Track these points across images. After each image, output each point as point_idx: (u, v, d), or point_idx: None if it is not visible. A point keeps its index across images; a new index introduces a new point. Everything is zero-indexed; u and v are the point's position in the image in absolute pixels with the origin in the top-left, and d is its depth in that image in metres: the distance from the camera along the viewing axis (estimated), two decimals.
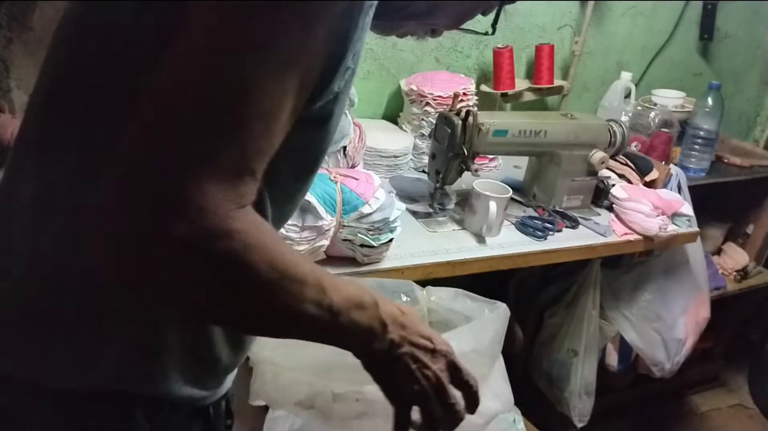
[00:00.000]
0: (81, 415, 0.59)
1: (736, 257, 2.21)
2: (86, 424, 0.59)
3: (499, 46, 1.76)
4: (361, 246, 1.14)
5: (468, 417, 0.66)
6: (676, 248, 1.75)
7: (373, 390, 0.63)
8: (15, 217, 0.59)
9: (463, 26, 0.70)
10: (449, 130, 1.34)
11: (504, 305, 0.97)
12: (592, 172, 1.54)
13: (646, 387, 2.08)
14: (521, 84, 1.88)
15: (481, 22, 0.72)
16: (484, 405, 0.71)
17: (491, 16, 0.70)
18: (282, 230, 1.09)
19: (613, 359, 1.88)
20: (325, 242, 1.13)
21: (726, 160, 2.03)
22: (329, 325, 0.54)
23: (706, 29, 2.19)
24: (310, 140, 0.59)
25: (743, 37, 2.33)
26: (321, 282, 0.52)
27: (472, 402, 0.66)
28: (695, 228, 1.63)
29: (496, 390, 0.90)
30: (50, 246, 0.56)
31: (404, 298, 1.07)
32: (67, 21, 0.63)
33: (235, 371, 0.72)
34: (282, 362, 0.85)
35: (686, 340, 1.83)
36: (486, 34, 0.76)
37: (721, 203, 2.17)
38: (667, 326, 1.80)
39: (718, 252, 2.27)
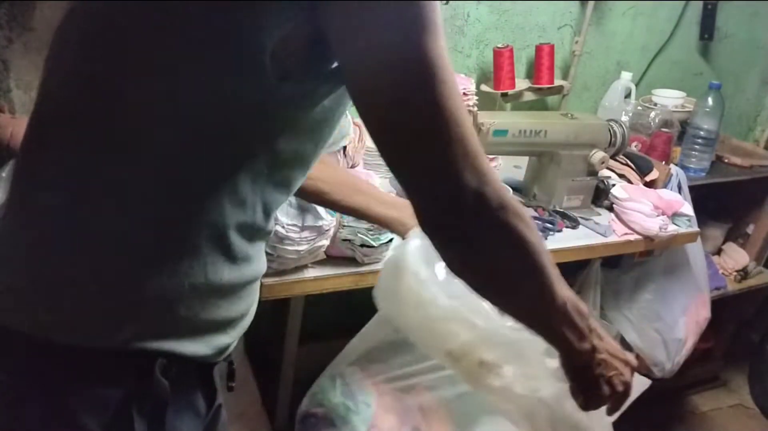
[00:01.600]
0: (98, 372, 0.60)
1: (736, 257, 2.21)
2: (105, 381, 0.61)
3: (499, 46, 1.76)
4: (361, 246, 1.14)
5: None
6: (677, 248, 1.74)
7: (511, 370, 0.77)
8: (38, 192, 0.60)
9: None
10: None
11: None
12: (593, 172, 1.54)
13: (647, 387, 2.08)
14: (521, 84, 1.88)
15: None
16: None
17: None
18: (282, 230, 1.10)
19: None
20: (325, 242, 1.13)
21: (726, 160, 2.03)
22: (555, 317, 0.65)
23: (707, 29, 2.19)
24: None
25: (744, 37, 2.33)
26: (557, 273, 0.64)
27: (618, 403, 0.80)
28: (695, 229, 1.63)
29: None
30: (84, 216, 0.58)
31: None
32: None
33: (238, 337, 0.73)
34: (448, 309, 0.86)
35: (686, 340, 1.83)
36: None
37: (721, 203, 2.17)
38: (668, 326, 1.80)
39: (719, 252, 2.27)
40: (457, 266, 0.61)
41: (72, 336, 0.59)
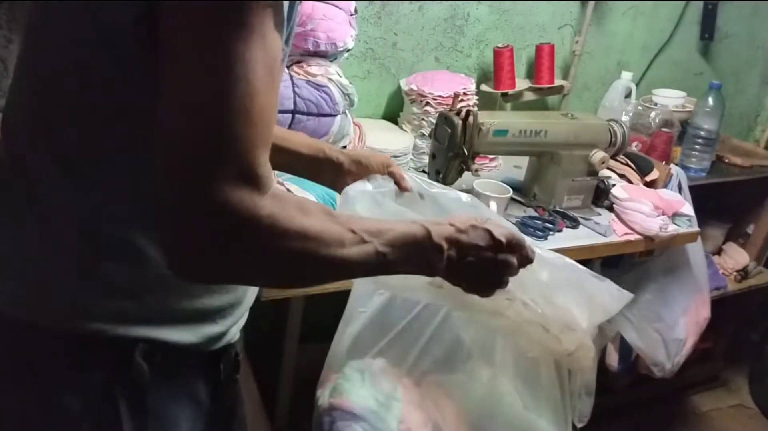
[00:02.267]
0: (79, 356, 0.62)
1: (736, 257, 2.21)
2: (86, 364, 0.62)
3: (500, 45, 1.76)
4: None
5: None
6: (677, 248, 1.74)
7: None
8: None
9: None
10: (449, 130, 1.34)
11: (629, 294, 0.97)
12: (593, 171, 1.54)
13: (647, 388, 2.08)
14: (521, 84, 1.87)
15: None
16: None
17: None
18: None
19: (613, 359, 1.88)
20: None
21: (726, 160, 2.03)
22: (383, 265, 0.62)
23: (707, 29, 2.19)
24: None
25: (744, 36, 2.33)
26: (358, 235, 0.60)
27: (525, 258, 0.73)
28: (696, 228, 1.63)
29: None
30: (54, 199, 0.60)
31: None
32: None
33: (239, 322, 0.74)
34: None
35: (686, 340, 1.83)
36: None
37: (721, 203, 2.17)
38: (668, 326, 1.80)
39: (719, 252, 2.27)
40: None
41: (41, 318, 0.61)
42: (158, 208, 0.52)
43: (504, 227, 0.71)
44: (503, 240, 0.69)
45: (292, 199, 0.58)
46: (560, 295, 0.83)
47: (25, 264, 0.62)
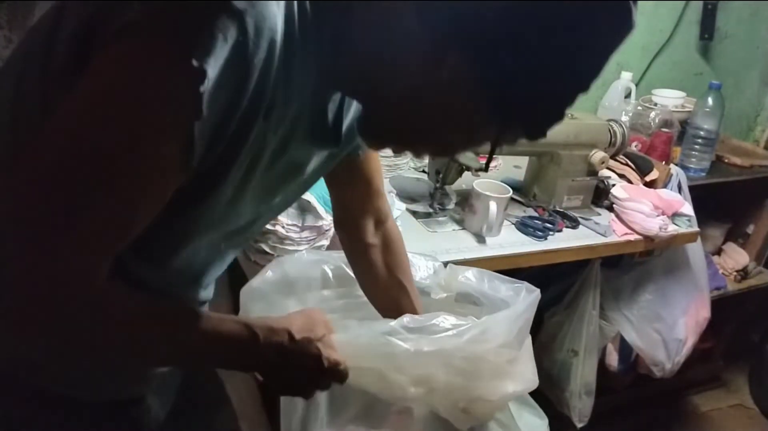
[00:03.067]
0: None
1: (736, 257, 2.21)
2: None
3: None
4: None
5: (487, 396, 0.81)
6: (677, 248, 1.74)
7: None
8: None
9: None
10: None
11: (537, 290, 0.97)
12: (593, 171, 1.54)
13: (647, 388, 2.08)
14: None
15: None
16: (504, 388, 0.83)
17: None
18: (282, 230, 1.09)
19: (613, 359, 1.88)
20: (325, 242, 1.13)
21: (726, 160, 2.03)
22: (198, 362, 0.65)
23: (707, 29, 2.19)
24: (191, 208, 0.58)
25: (743, 36, 2.33)
26: (188, 349, 0.60)
27: (339, 379, 0.72)
28: (695, 228, 1.63)
29: (520, 371, 0.90)
30: None
31: (427, 270, 1.07)
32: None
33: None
34: None
35: (686, 340, 1.83)
36: (479, 170, 0.76)
37: (721, 203, 2.17)
38: (668, 326, 1.80)
39: (719, 252, 2.27)
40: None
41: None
42: None
43: (333, 350, 0.71)
44: (326, 365, 0.69)
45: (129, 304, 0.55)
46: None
47: None
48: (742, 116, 2.52)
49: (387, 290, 0.96)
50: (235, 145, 0.53)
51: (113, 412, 0.70)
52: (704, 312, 1.86)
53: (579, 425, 1.75)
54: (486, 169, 0.76)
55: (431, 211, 1.41)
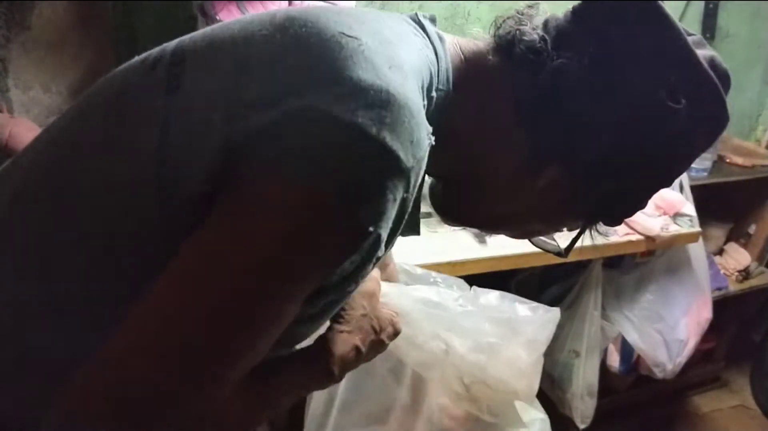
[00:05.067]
0: None
1: (738, 257, 2.21)
2: None
3: None
4: None
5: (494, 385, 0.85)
6: (678, 248, 1.74)
7: None
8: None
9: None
10: None
11: (557, 309, 1.00)
12: None
13: (648, 388, 2.08)
14: None
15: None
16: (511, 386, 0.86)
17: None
18: None
19: (614, 360, 1.87)
20: None
21: (728, 160, 2.03)
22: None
23: (708, 28, 2.18)
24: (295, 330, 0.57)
25: (745, 36, 2.32)
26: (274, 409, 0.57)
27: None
28: (697, 228, 1.62)
29: (529, 383, 0.92)
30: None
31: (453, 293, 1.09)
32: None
33: None
34: None
35: (688, 341, 1.83)
36: (559, 254, 0.79)
37: (723, 203, 2.16)
38: (669, 327, 1.79)
39: (720, 252, 2.26)
40: None
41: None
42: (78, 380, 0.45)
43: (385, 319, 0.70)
44: (387, 343, 0.70)
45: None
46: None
47: None
48: (744, 116, 2.52)
49: None
50: (363, 266, 0.53)
51: None
52: (706, 313, 1.85)
53: (581, 426, 1.75)
54: (566, 254, 0.78)
55: (431, 210, 1.40)
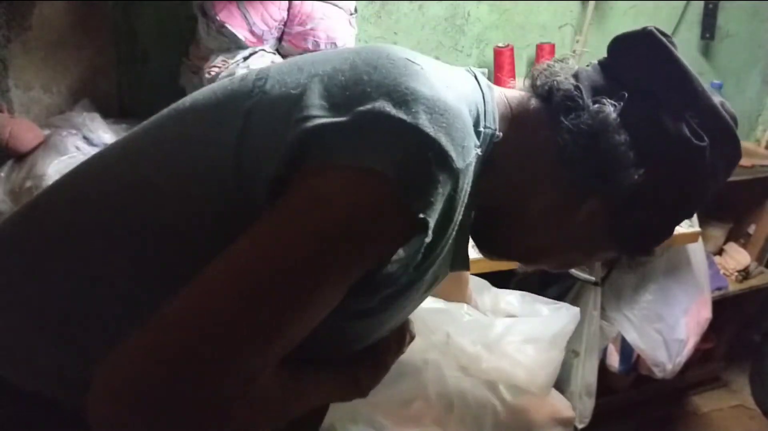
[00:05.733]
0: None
1: (737, 257, 2.21)
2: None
3: (500, 45, 1.76)
4: None
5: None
6: (678, 248, 1.74)
7: None
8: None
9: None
10: None
11: (577, 309, 1.01)
12: None
13: (648, 388, 2.08)
14: (522, 83, 1.87)
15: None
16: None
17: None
18: None
19: (614, 359, 1.87)
20: None
21: None
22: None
23: (708, 28, 2.18)
24: (340, 331, 0.60)
25: (745, 36, 2.32)
26: (303, 406, 0.61)
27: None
28: (696, 228, 1.62)
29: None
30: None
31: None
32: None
33: None
34: None
35: (687, 341, 1.83)
36: (596, 284, 0.83)
37: (722, 203, 2.16)
38: (669, 326, 1.79)
39: (720, 252, 2.26)
40: None
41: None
42: (107, 367, 0.46)
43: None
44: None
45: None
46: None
47: None
48: (744, 116, 2.52)
49: None
50: (417, 271, 0.56)
51: None
52: (705, 313, 1.85)
53: (580, 426, 1.75)
54: (603, 283, 0.84)
55: None
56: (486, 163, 0.60)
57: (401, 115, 0.49)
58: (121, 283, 0.56)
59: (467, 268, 0.70)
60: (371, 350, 0.70)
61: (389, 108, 0.50)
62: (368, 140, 0.50)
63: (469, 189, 0.56)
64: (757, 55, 2.41)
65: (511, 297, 1.08)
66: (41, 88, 1.45)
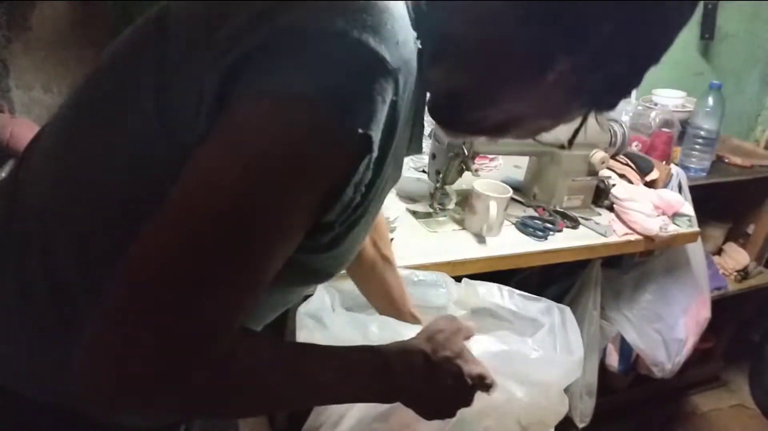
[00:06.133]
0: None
1: (736, 257, 2.21)
2: None
3: None
4: None
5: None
6: (677, 248, 1.74)
7: None
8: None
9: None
10: None
11: (568, 308, 0.99)
12: (593, 171, 1.53)
13: (647, 388, 2.08)
14: None
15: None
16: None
17: None
18: None
19: (613, 359, 1.88)
20: None
21: (727, 160, 2.03)
22: (332, 400, 0.62)
23: (707, 28, 2.18)
24: (299, 265, 0.57)
25: (744, 36, 2.33)
26: (319, 389, 0.58)
27: (486, 387, 0.72)
28: (696, 228, 1.62)
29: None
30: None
31: (439, 290, 1.08)
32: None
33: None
34: None
35: (687, 340, 1.83)
36: (562, 147, 0.78)
37: (721, 203, 2.17)
38: (668, 326, 1.79)
39: (719, 252, 2.26)
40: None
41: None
42: (91, 329, 0.45)
43: (475, 363, 0.70)
44: (470, 383, 0.69)
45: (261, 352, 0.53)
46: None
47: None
48: (743, 116, 2.52)
49: (373, 265, 0.96)
50: (368, 188, 0.53)
51: None
52: (704, 313, 1.85)
53: (580, 425, 1.75)
54: (570, 145, 0.79)
55: (431, 211, 1.41)
56: (436, 40, 0.54)
57: (319, 23, 0.45)
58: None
59: (420, 152, 0.68)
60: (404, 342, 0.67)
61: (303, 19, 0.45)
62: (289, 60, 0.45)
63: (414, 82, 0.52)
64: (757, 56, 2.41)
65: (491, 289, 1.05)
66: (42, 88, 1.45)
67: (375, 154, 0.49)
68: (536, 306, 1.03)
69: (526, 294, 1.06)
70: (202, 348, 0.46)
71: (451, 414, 0.71)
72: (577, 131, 0.69)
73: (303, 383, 0.57)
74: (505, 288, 1.07)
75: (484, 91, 0.60)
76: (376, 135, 0.48)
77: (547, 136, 0.72)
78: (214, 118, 0.47)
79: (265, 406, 0.58)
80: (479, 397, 0.72)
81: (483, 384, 0.70)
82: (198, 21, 0.50)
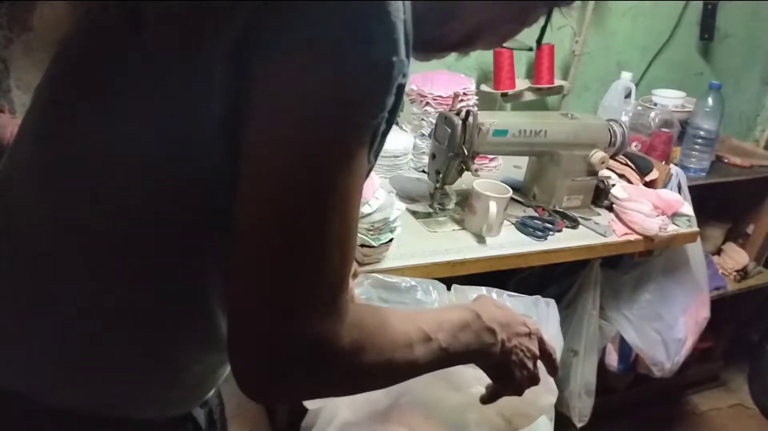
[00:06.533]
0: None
1: (736, 257, 2.21)
2: None
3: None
4: (361, 246, 1.14)
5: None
6: (676, 248, 1.74)
7: None
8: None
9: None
10: (449, 130, 1.34)
11: (553, 301, 0.99)
12: (593, 171, 1.54)
13: (646, 387, 2.08)
14: (521, 84, 1.87)
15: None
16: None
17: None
18: None
19: (613, 359, 1.88)
20: None
21: (726, 160, 2.03)
22: (446, 360, 0.62)
23: (707, 29, 2.19)
24: None
25: (744, 36, 2.33)
26: (424, 332, 0.59)
27: (554, 368, 0.79)
28: (695, 228, 1.63)
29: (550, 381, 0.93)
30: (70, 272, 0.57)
31: (429, 296, 1.08)
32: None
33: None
34: None
35: (686, 340, 1.83)
36: (530, 49, 0.78)
37: (721, 203, 2.17)
38: (667, 326, 1.80)
39: (718, 252, 2.27)
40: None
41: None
42: (231, 334, 0.49)
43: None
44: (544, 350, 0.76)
45: (368, 316, 0.55)
46: None
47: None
48: (742, 116, 2.53)
49: None
50: (391, 114, 0.53)
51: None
52: (704, 312, 1.86)
53: (579, 425, 1.75)
54: (539, 44, 0.79)
55: (431, 211, 1.41)
56: None
57: None
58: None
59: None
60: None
61: None
62: (302, 10, 0.45)
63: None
64: (756, 56, 2.41)
65: (476, 294, 1.06)
66: None
67: (407, 78, 0.50)
68: (525, 302, 1.04)
69: (515, 294, 1.06)
70: (340, 301, 0.49)
71: (521, 390, 0.75)
72: (543, 29, 0.70)
73: (425, 342, 0.59)
74: (494, 291, 1.07)
75: (443, 5, 0.61)
76: (407, 59, 0.49)
77: (515, 42, 0.72)
78: (235, 91, 0.47)
79: (401, 371, 0.60)
80: (461, 391, 0.75)
81: (552, 360, 0.77)
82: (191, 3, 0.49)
